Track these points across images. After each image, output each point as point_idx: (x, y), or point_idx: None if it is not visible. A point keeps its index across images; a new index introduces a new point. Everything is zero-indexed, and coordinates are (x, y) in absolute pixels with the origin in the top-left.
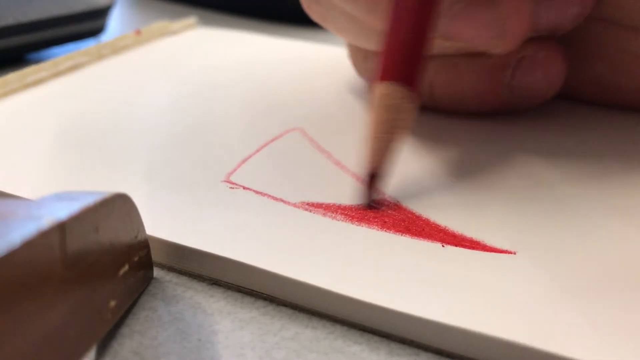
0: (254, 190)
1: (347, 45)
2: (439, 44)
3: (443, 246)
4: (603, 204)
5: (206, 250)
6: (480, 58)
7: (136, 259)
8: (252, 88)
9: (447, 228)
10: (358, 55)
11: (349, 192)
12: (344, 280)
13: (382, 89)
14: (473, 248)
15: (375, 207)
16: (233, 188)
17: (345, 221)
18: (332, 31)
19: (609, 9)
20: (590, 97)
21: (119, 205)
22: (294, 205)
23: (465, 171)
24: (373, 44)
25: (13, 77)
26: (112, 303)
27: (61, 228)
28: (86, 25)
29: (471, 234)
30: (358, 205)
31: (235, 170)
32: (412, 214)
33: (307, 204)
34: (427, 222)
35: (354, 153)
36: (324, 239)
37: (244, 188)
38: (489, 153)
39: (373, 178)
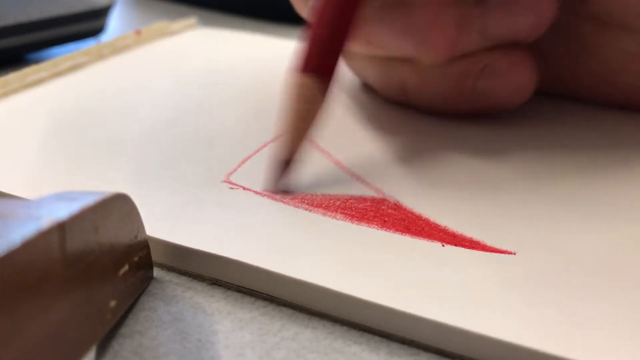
0: (253, 191)
1: None
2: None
3: (443, 246)
4: (603, 203)
5: (206, 250)
6: (446, 65)
7: (136, 259)
8: (252, 88)
9: (447, 228)
10: (347, 54)
11: (349, 192)
12: (343, 280)
13: (296, 79)
14: (473, 248)
15: (285, 193)
16: (233, 188)
17: (345, 221)
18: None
19: (596, 8)
20: (586, 95)
21: (119, 205)
22: (294, 205)
23: (465, 171)
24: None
25: (13, 77)
26: (112, 303)
27: (61, 228)
28: (86, 25)
29: (471, 234)
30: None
31: (235, 170)
32: (412, 213)
33: (305, 200)
34: (427, 222)
35: (354, 153)
36: (324, 238)
37: (244, 188)
38: (489, 153)
39: (283, 164)
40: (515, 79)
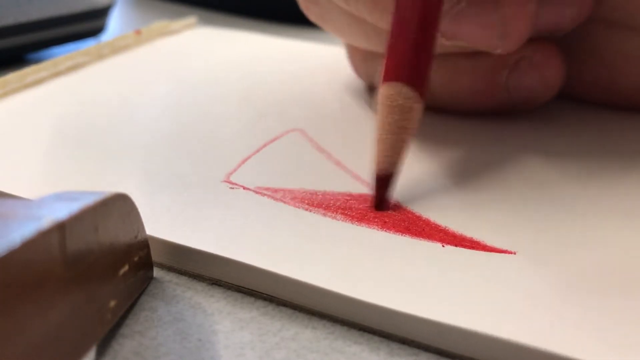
0: (254, 191)
1: (345, 45)
2: (439, 43)
3: (443, 246)
4: (603, 203)
5: (206, 250)
6: (478, 58)
7: (136, 259)
8: (252, 88)
9: (447, 228)
10: (356, 56)
11: (349, 192)
12: (344, 280)
13: (386, 89)
14: (473, 248)
15: (386, 209)
16: (233, 188)
17: (345, 221)
18: (330, 31)
19: (607, 10)
20: (591, 97)
21: (119, 205)
22: (294, 205)
23: (466, 171)
24: (373, 43)
25: (13, 77)
26: (112, 303)
27: (61, 228)
28: (86, 25)
29: (471, 234)
30: (364, 194)
31: (235, 170)
32: (413, 214)
33: (305, 200)
34: (427, 222)
35: (354, 153)
36: (324, 238)
37: (244, 188)
38: (490, 153)
39: (383, 180)
40: (548, 73)
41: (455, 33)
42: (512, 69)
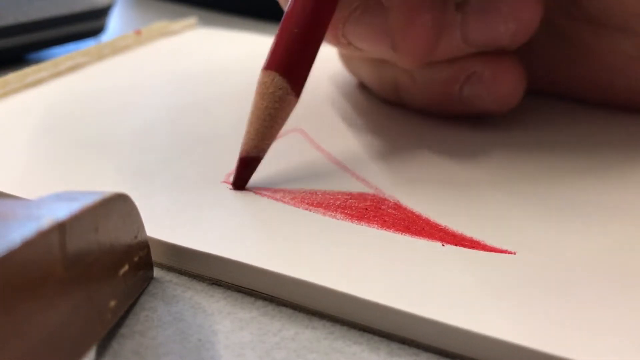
0: (253, 191)
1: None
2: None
3: (443, 246)
4: (602, 203)
5: (206, 250)
6: (434, 71)
7: (136, 259)
8: (252, 88)
9: (447, 227)
10: (345, 54)
11: (348, 191)
12: (343, 279)
13: (262, 77)
14: (473, 248)
15: (243, 189)
16: (233, 189)
17: (345, 220)
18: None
19: (594, 11)
20: (586, 97)
21: (119, 205)
22: (294, 205)
23: (466, 171)
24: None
25: (13, 77)
26: (112, 303)
27: (61, 228)
28: (86, 25)
29: (471, 233)
30: (363, 194)
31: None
32: (412, 213)
33: (305, 199)
34: (427, 222)
35: (354, 153)
36: (324, 238)
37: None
38: (490, 153)
39: (245, 161)
40: (500, 87)
41: (352, 39)
42: (463, 83)
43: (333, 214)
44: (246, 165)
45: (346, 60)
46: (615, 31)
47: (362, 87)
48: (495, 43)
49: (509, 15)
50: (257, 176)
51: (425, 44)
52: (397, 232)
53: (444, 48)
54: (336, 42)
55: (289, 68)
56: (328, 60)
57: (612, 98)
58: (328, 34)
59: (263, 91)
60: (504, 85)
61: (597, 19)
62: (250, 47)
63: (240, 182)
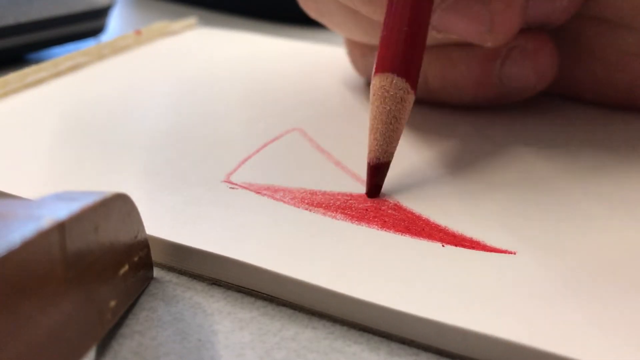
0: (253, 190)
1: (345, 41)
2: (432, 36)
3: (443, 246)
4: (603, 202)
5: (206, 249)
6: (471, 49)
7: (136, 259)
8: (252, 88)
9: (447, 228)
10: (356, 52)
11: (349, 192)
12: (343, 280)
13: (379, 80)
14: (473, 248)
15: (378, 196)
16: (233, 188)
17: (345, 221)
18: (329, 26)
19: (598, 8)
20: (587, 95)
21: (119, 205)
22: (294, 205)
23: (466, 171)
24: (370, 36)
25: (13, 77)
26: (112, 303)
27: (61, 228)
28: (86, 25)
29: (471, 233)
30: (363, 194)
31: (235, 170)
32: (412, 213)
33: (305, 199)
34: (427, 222)
35: (354, 153)
36: (324, 238)
37: (244, 188)
38: (489, 153)
39: (376, 168)
40: (541, 61)
41: (446, 26)
42: (504, 58)
43: (333, 215)
44: (377, 172)
45: (357, 57)
46: (616, 28)
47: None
48: (546, 19)
49: None
50: (257, 176)
51: (519, 23)
52: (397, 233)
53: None
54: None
55: (405, 67)
56: (328, 60)
57: (613, 96)
58: None
59: (384, 95)
60: (545, 57)
61: (598, 16)
62: (250, 47)
63: (375, 189)
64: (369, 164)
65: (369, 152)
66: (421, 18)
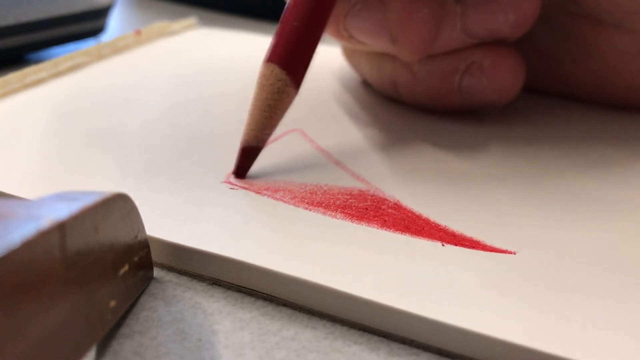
0: (253, 190)
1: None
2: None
3: (443, 245)
4: (603, 202)
5: (206, 249)
6: (433, 63)
7: (136, 259)
8: (252, 88)
9: (447, 227)
10: (347, 50)
11: (349, 191)
12: (343, 279)
13: (262, 69)
14: (473, 247)
15: (244, 178)
16: (233, 188)
17: (345, 220)
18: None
19: (591, 8)
20: (584, 95)
21: (119, 205)
22: (294, 204)
23: (466, 171)
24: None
25: (13, 77)
26: (112, 303)
27: (61, 228)
28: (86, 25)
29: (471, 233)
30: (232, 176)
31: (235, 177)
32: (412, 212)
33: (305, 199)
34: (427, 222)
35: (354, 153)
36: (324, 237)
37: (244, 188)
38: (489, 153)
39: (246, 151)
40: (501, 75)
41: (353, 32)
42: (463, 73)
43: (333, 214)
44: (247, 155)
45: (348, 55)
46: (612, 28)
47: (365, 84)
48: (495, 34)
49: (508, 5)
50: (258, 176)
51: (425, 37)
52: (397, 232)
53: (444, 40)
54: (338, 36)
55: (288, 61)
56: (327, 60)
57: (611, 96)
58: (329, 27)
59: (263, 83)
60: (504, 73)
61: (594, 16)
62: (250, 47)
63: (241, 171)
64: (240, 146)
65: (243, 135)
66: (315, 20)
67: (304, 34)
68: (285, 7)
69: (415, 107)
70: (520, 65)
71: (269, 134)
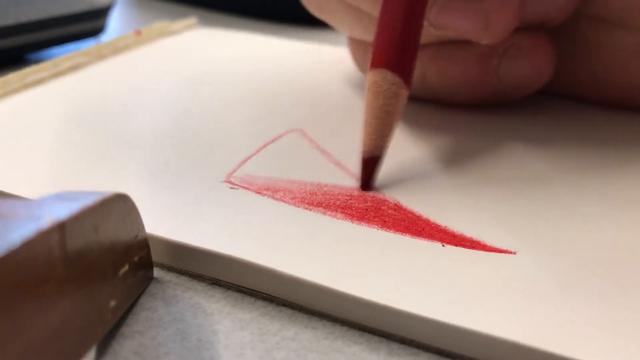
0: (253, 190)
1: (348, 40)
2: (429, 33)
3: (443, 246)
4: (603, 202)
5: (206, 248)
6: (469, 47)
7: (136, 259)
8: (252, 88)
9: (447, 228)
10: (358, 50)
11: (349, 192)
12: (343, 278)
13: (373, 76)
14: (473, 248)
15: (372, 189)
16: (233, 188)
17: (345, 220)
18: (330, 22)
19: (596, 8)
20: (588, 95)
21: (119, 205)
22: (294, 204)
23: (466, 171)
24: (370, 34)
25: (13, 77)
26: (112, 303)
27: (61, 228)
28: (86, 25)
29: (471, 234)
30: (363, 194)
31: (235, 170)
32: (412, 213)
33: (305, 199)
34: (427, 222)
35: (354, 153)
36: (324, 237)
37: (244, 188)
38: (490, 153)
39: (369, 162)
40: (537, 60)
41: (442, 23)
42: (502, 56)
43: (333, 214)
44: (370, 166)
45: (360, 55)
46: (614, 27)
47: None
48: (546, 17)
49: None
50: (258, 176)
51: (515, 21)
52: (397, 233)
53: None
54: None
55: (398, 63)
56: (328, 60)
57: (612, 95)
58: None
59: (377, 90)
60: (540, 57)
61: (596, 15)
62: (250, 47)
63: (368, 182)
64: (362, 158)
65: (363, 147)
66: (415, 14)
67: (407, 34)
68: (381, 9)
69: (438, 101)
70: (555, 50)
71: (389, 140)
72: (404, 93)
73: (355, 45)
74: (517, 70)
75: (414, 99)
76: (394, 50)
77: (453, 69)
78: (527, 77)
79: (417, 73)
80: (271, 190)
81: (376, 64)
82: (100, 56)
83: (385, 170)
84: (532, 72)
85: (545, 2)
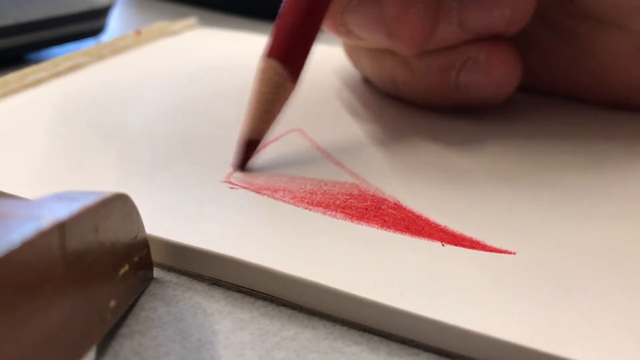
0: (253, 190)
1: (342, 46)
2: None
3: (443, 245)
4: (603, 202)
5: (206, 248)
6: (430, 59)
7: (136, 259)
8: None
9: (447, 227)
10: (348, 46)
11: (349, 191)
12: (343, 278)
13: (263, 64)
14: (473, 248)
15: (245, 171)
16: (233, 188)
17: (345, 220)
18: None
19: (588, 7)
20: (583, 94)
21: (119, 205)
22: (294, 204)
23: (466, 170)
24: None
25: (13, 77)
26: (112, 303)
27: (61, 228)
28: (86, 25)
29: (471, 234)
30: (364, 194)
31: (235, 170)
32: (412, 213)
33: (305, 199)
34: (427, 222)
35: (354, 153)
36: (324, 237)
37: (244, 188)
38: (489, 153)
39: (247, 144)
40: (496, 73)
41: (351, 27)
42: (459, 69)
43: (333, 214)
44: (246, 148)
45: (350, 53)
46: (611, 27)
47: (365, 82)
48: (491, 29)
49: (504, 1)
50: (258, 175)
51: (421, 31)
52: (397, 232)
53: (440, 35)
54: (336, 31)
55: (286, 55)
56: (327, 60)
57: (611, 95)
58: (327, 23)
59: (262, 77)
60: (499, 68)
61: (593, 15)
62: (250, 47)
63: (241, 163)
64: (242, 139)
65: (244, 129)
66: (312, 15)
67: (301, 29)
68: (283, 2)
69: (415, 105)
70: (516, 61)
71: (268, 127)
72: (290, 85)
73: (351, 50)
74: (475, 84)
75: (401, 100)
76: (285, 45)
77: (417, 80)
78: (486, 90)
79: (388, 78)
80: (271, 189)
81: (268, 53)
82: (100, 56)
83: (385, 169)
84: (491, 86)
85: (488, 16)
